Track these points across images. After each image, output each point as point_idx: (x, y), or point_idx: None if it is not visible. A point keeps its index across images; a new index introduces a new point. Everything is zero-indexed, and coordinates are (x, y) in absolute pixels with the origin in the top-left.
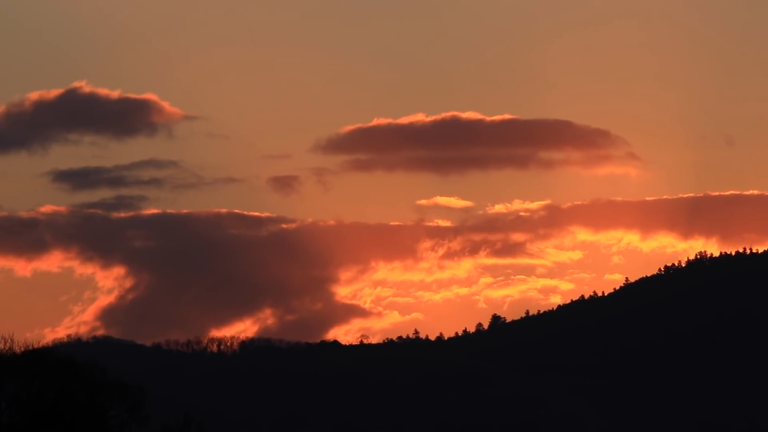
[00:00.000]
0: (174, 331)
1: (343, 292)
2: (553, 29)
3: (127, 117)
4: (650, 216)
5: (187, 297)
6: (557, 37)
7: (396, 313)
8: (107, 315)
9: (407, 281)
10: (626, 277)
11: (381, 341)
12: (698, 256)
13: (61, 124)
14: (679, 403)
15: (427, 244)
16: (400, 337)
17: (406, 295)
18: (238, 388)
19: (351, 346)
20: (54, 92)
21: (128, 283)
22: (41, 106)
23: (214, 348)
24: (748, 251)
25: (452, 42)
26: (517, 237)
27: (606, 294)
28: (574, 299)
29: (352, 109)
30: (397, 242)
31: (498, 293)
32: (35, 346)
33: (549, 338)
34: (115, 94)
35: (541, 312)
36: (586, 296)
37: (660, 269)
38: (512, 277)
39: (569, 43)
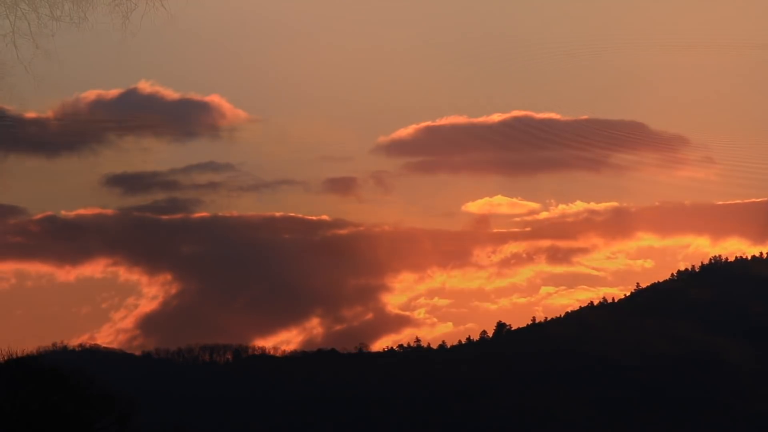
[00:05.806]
0: (217, 340)
1: (396, 301)
2: (640, 29)
3: (188, 119)
4: (721, 221)
5: (234, 305)
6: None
7: (450, 323)
8: (148, 322)
9: (465, 290)
10: (637, 282)
11: (381, 350)
12: (712, 260)
13: (118, 125)
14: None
15: (487, 250)
16: (401, 345)
17: (463, 305)
18: (229, 399)
19: (349, 355)
20: (113, 92)
21: (174, 290)
22: (97, 106)
23: (206, 357)
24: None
25: (533, 40)
26: (582, 243)
27: (617, 300)
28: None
29: (421, 107)
30: (456, 249)
31: (559, 302)
32: (19, 354)
33: (556, 346)
34: (177, 95)
35: (549, 319)
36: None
37: (672, 274)
38: (575, 286)
39: (654, 42)
